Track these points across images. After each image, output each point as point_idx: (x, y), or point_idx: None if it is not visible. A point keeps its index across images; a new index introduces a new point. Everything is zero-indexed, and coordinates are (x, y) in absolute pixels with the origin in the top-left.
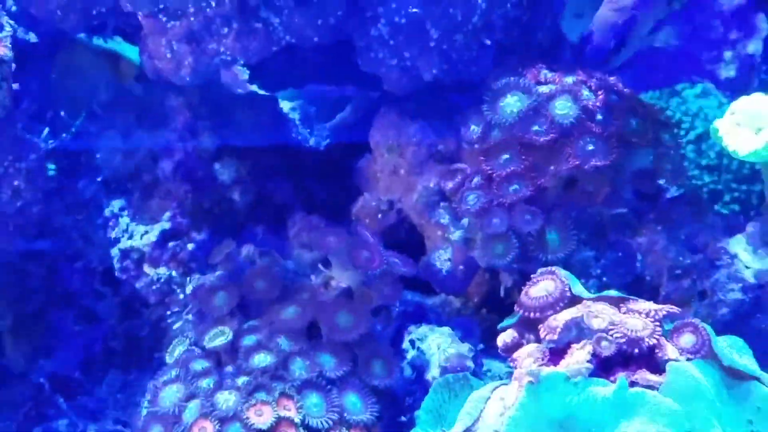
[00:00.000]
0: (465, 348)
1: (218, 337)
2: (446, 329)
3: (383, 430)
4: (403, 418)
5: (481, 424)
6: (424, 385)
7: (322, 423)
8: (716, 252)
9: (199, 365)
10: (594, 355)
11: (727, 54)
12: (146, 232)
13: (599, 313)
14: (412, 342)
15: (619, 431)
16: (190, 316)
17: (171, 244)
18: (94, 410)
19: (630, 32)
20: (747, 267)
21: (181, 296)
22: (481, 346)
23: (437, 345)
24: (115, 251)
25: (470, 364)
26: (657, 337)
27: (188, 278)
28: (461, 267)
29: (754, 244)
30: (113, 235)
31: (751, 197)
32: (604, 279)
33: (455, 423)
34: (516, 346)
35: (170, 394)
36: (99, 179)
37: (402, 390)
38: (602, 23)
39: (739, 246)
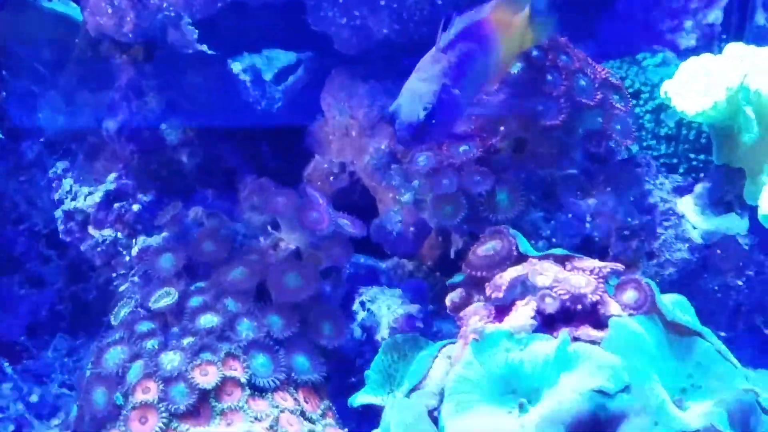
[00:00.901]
0: (414, 309)
1: (164, 299)
2: (397, 291)
3: (333, 391)
4: (353, 379)
5: (428, 382)
6: (374, 346)
7: (269, 383)
8: (664, 213)
9: (144, 327)
10: (538, 311)
11: (688, 23)
12: (90, 194)
13: (544, 271)
14: (362, 304)
15: (560, 385)
16: (136, 279)
17: (116, 205)
18: (39, 374)
19: None
20: (694, 227)
21: (127, 258)
22: (431, 307)
23: (387, 306)
24: (58, 213)
25: (420, 324)
26: (600, 293)
27: (134, 240)
28: (412, 229)
29: (701, 204)
30: (57, 196)
31: (708, 167)
32: (554, 240)
33: (404, 382)
34: (464, 305)
35: (114, 355)
36: (42, 140)
37: (352, 351)
38: None
39: (687, 207)
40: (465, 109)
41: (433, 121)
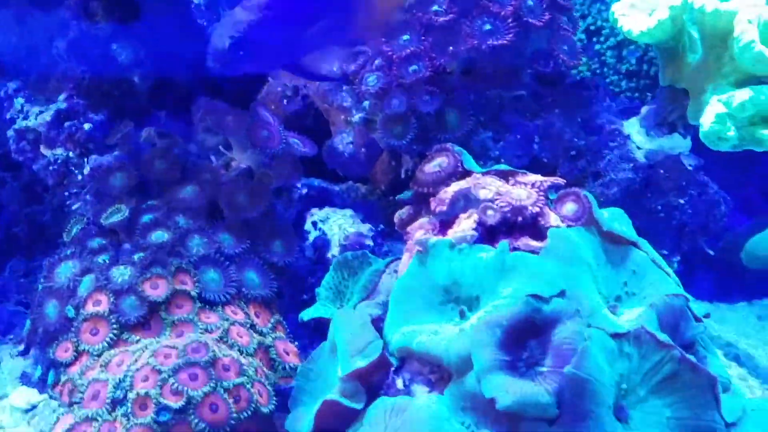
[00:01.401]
0: (365, 228)
1: (115, 215)
2: (348, 211)
3: (286, 308)
4: (305, 297)
5: (375, 297)
6: (325, 264)
7: (219, 297)
8: (611, 134)
9: (95, 242)
10: (480, 223)
11: None
12: (41, 113)
13: (487, 185)
14: (314, 224)
15: (498, 292)
16: (88, 197)
17: (67, 124)
18: None
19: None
20: (639, 148)
21: (80, 177)
22: (383, 227)
23: (339, 226)
24: (10, 132)
25: (369, 242)
26: (540, 205)
27: (85, 159)
28: (363, 150)
29: (647, 126)
30: (9, 116)
31: None
32: (502, 161)
33: (353, 298)
34: (411, 221)
35: (65, 270)
36: None
37: (304, 269)
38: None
39: (632, 128)
40: (292, 44)
41: (240, 53)
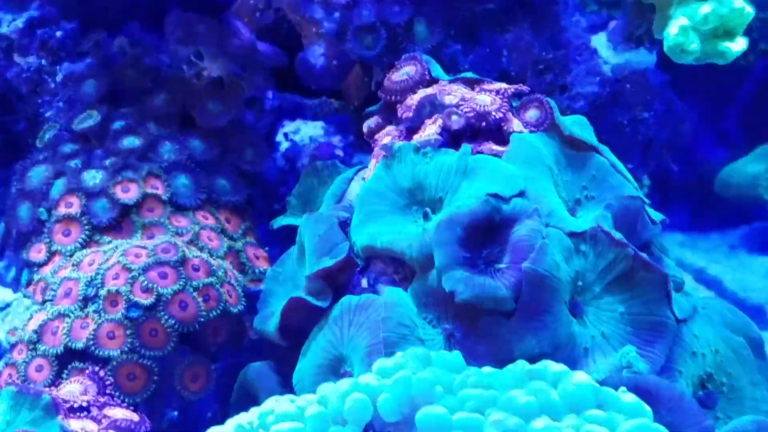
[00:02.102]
0: (336, 139)
1: (87, 120)
2: (320, 123)
3: (258, 216)
4: (276, 207)
5: (342, 202)
6: (296, 174)
7: (190, 202)
8: (578, 48)
9: (67, 147)
10: (445, 129)
11: None
12: (14, 20)
13: (452, 91)
14: (285, 135)
15: (460, 193)
16: (60, 104)
17: (39, 32)
18: None
19: None
20: (606, 62)
21: (52, 85)
22: (353, 138)
23: (310, 137)
24: None
25: (340, 153)
26: (504, 111)
27: (58, 67)
28: (335, 62)
29: (614, 40)
30: None
31: None
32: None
33: (322, 206)
34: (379, 130)
35: (38, 173)
36: None
37: (275, 179)
38: None
39: (600, 42)
40: None
41: None
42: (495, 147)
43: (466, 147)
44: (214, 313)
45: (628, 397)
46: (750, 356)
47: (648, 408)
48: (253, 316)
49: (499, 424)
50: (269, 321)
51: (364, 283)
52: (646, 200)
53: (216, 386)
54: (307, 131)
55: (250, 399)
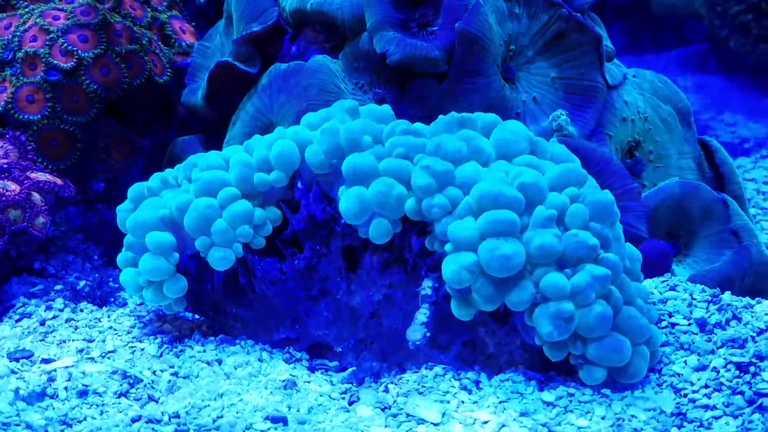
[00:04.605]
0: None
1: None
2: None
3: None
4: None
5: None
6: None
7: None
8: None
9: None
10: None
11: None
12: None
13: None
14: None
15: None
16: None
17: None
18: None
19: None
20: None
21: None
22: None
23: None
24: None
25: None
26: None
27: None
28: None
29: None
30: None
31: None
32: None
33: None
34: None
35: None
36: None
37: None
38: None
39: None
40: None
41: None
42: None
43: None
44: (138, 81)
45: (557, 147)
46: (677, 126)
47: (576, 157)
48: (181, 92)
49: (427, 169)
50: (197, 94)
51: (294, 51)
52: None
53: (144, 162)
54: None
55: None
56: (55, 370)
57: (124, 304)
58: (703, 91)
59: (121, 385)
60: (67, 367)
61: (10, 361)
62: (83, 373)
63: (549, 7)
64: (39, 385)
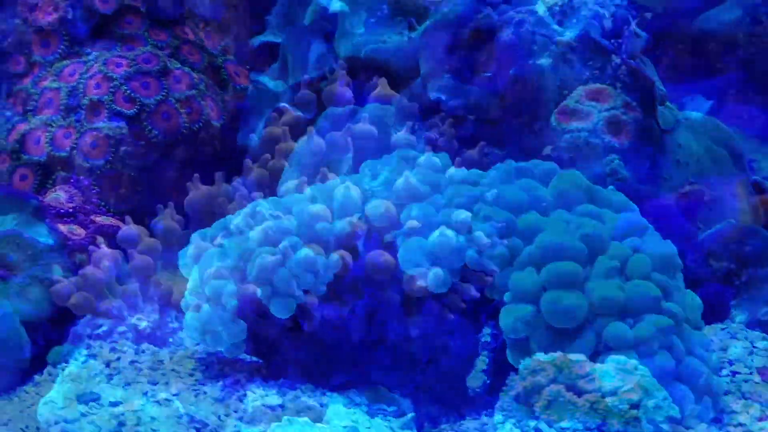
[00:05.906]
0: None
1: None
2: None
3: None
4: (255, 27)
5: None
6: None
7: (168, 14)
8: None
9: None
10: None
11: None
12: None
13: None
14: None
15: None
16: None
17: None
18: None
19: None
20: None
21: None
22: None
23: None
24: None
25: None
26: None
27: None
28: None
29: None
30: None
31: None
32: None
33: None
34: None
35: None
36: None
37: None
38: None
39: None
40: None
41: None
42: None
43: None
44: (197, 125)
45: (616, 195)
46: (731, 168)
47: (635, 205)
48: (236, 135)
49: (488, 220)
50: (253, 136)
51: (348, 96)
52: None
53: None
54: None
55: None
56: (123, 414)
57: (184, 345)
58: (743, 122)
59: (188, 429)
60: (135, 411)
61: (79, 404)
62: (152, 418)
63: (600, 53)
64: (110, 430)
